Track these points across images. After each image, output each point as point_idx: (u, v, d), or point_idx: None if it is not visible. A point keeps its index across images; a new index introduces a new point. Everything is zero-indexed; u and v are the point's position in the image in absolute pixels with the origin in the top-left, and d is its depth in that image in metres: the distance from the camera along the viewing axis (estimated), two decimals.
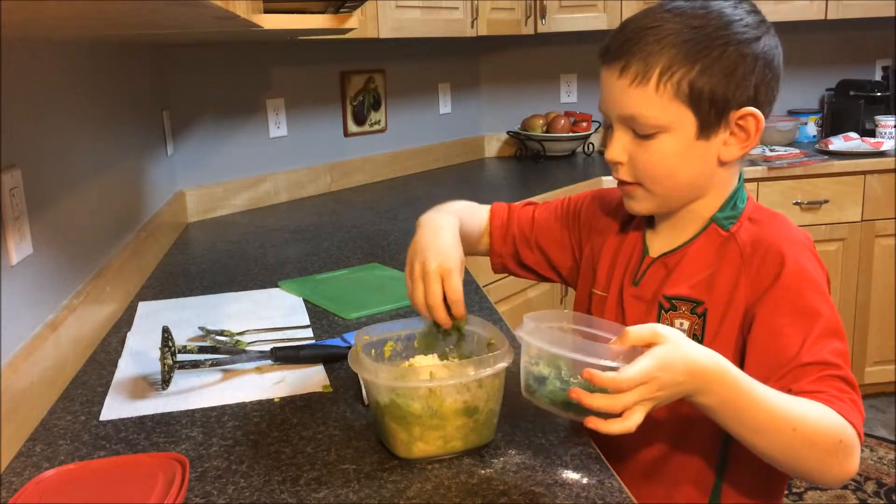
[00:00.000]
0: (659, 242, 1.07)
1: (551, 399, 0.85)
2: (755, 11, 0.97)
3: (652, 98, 0.94)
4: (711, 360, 0.81)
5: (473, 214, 1.25)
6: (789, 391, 0.87)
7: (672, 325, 0.99)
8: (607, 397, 0.77)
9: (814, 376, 0.88)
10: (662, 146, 0.96)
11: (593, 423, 0.79)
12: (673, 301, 1.01)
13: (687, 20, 0.93)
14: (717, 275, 0.99)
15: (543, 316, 0.91)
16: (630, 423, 0.77)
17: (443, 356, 1.03)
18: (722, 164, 0.99)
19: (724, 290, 0.98)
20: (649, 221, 1.09)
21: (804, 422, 0.83)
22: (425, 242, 1.02)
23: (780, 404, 0.84)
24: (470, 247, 1.18)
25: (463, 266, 1.01)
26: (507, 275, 1.32)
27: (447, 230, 1.06)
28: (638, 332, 0.79)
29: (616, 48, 0.96)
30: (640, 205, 1.03)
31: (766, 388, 0.85)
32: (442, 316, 0.98)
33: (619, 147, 1.00)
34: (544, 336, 0.83)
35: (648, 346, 0.79)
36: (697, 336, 0.99)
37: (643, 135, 0.97)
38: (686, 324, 1.00)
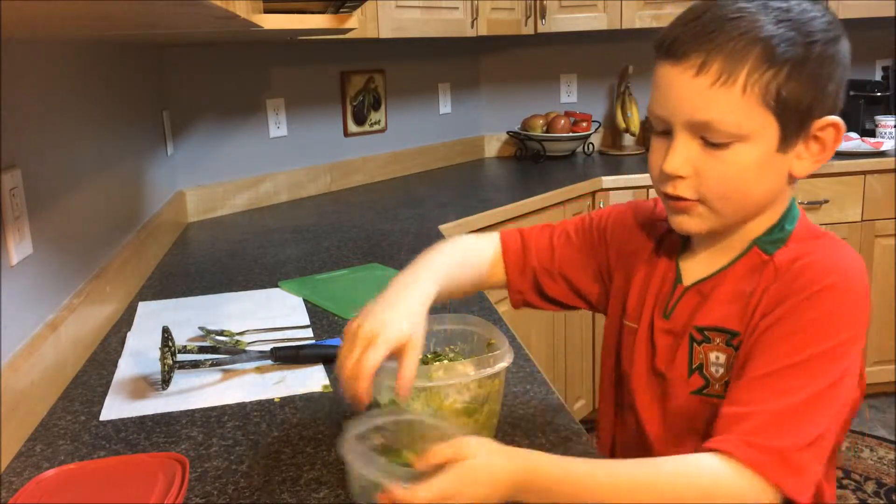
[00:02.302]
0: (694, 268, 0.94)
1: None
2: (828, 10, 0.86)
3: (737, 102, 0.81)
4: (517, 469, 0.74)
5: (470, 255, 1.07)
6: (721, 415, 0.78)
7: (707, 358, 0.89)
8: None
9: (754, 403, 0.76)
10: (739, 158, 0.83)
11: None
12: (706, 332, 0.90)
13: (772, 13, 0.81)
14: (750, 302, 0.86)
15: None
16: None
17: (443, 357, 1.03)
18: (792, 179, 0.88)
19: (751, 317, 0.85)
20: (685, 242, 0.97)
21: (645, 489, 0.75)
22: (372, 307, 0.86)
23: (610, 484, 0.75)
24: (474, 286, 1.08)
25: (404, 344, 0.83)
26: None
27: (409, 300, 0.87)
28: (439, 453, 0.73)
29: (691, 40, 0.82)
30: (699, 224, 0.89)
31: (598, 465, 0.77)
32: (362, 389, 0.80)
33: (683, 158, 0.85)
34: (360, 456, 0.77)
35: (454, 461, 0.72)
36: None
37: (715, 144, 0.83)
38: (722, 357, 0.88)
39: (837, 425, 0.81)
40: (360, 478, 0.76)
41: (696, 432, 0.88)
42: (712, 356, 0.89)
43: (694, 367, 0.91)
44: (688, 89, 0.83)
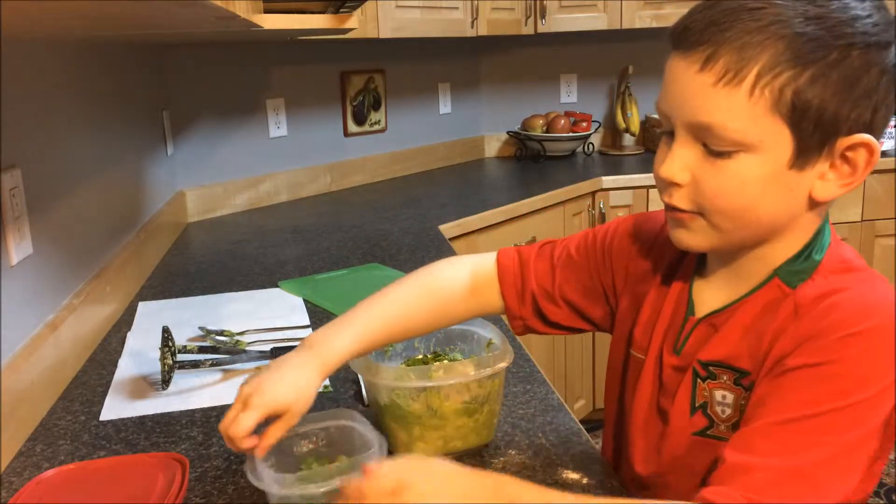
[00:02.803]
0: (708, 298, 0.83)
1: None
2: (883, 9, 0.72)
3: (742, 105, 0.70)
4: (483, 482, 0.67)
5: (436, 287, 0.96)
6: (723, 459, 0.69)
7: (712, 398, 0.79)
8: None
9: (760, 455, 0.67)
10: (742, 169, 0.72)
11: None
12: (710, 368, 0.79)
13: (801, 6, 0.69)
14: (764, 337, 0.75)
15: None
16: None
17: (443, 357, 1.03)
18: (814, 204, 0.75)
19: (764, 355, 0.75)
20: (700, 264, 0.85)
21: None
22: (264, 370, 0.83)
23: None
24: (455, 317, 0.98)
25: (280, 410, 0.80)
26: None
27: (296, 368, 0.83)
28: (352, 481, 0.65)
29: (699, 30, 0.71)
30: (695, 240, 0.78)
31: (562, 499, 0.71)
32: (238, 449, 0.79)
33: (681, 163, 0.75)
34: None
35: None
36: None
37: (718, 151, 0.73)
38: (730, 397, 0.78)
39: (859, 492, 0.70)
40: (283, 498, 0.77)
41: (694, 475, 0.79)
42: (718, 395, 0.79)
43: (697, 405, 0.81)
44: (690, 86, 0.73)
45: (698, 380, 0.80)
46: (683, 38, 0.73)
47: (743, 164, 0.72)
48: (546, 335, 1.02)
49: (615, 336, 0.95)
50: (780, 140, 0.71)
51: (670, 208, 0.79)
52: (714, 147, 0.73)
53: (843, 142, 0.71)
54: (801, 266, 0.77)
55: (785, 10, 0.69)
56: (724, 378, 0.78)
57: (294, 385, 0.81)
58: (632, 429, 0.89)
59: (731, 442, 0.70)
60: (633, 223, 0.95)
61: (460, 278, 0.97)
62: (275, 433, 0.80)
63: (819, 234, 0.78)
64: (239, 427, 0.78)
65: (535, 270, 0.97)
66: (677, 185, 0.76)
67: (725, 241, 0.78)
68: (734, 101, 0.70)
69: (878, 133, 0.72)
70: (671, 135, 0.77)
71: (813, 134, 0.71)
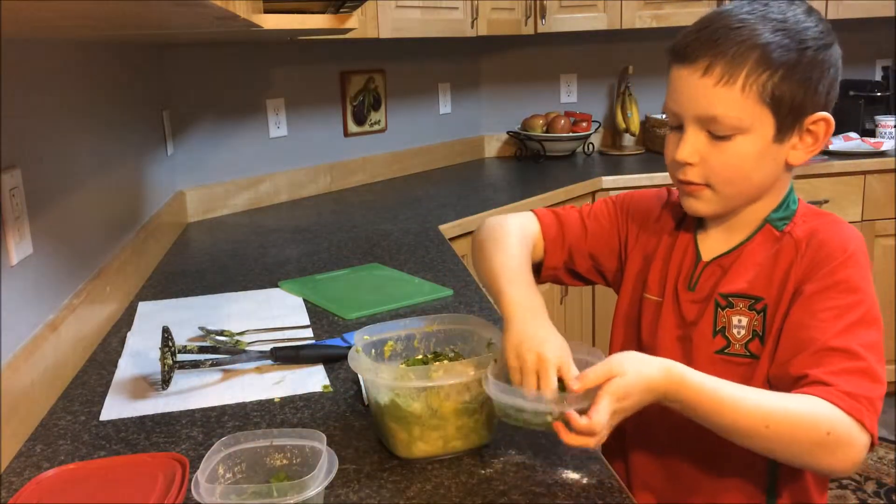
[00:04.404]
0: (711, 245, 1.08)
1: (525, 421, 0.89)
2: (822, 20, 0.99)
3: (737, 99, 0.95)
4: (665, 372, 0.87)
5: (527, 239, 1.16)
6: (805, 376, 0.90)
7: (729, 322, 1.03)
8: (584, 439, 0.84)
9: (834, 365, 0.89)
10: (739, 148, 0.97)
11: (571, 439, 0.85)
12: (729, 298, 1.03)
13: (769, 24, 0.95)
14: (775, 271, 1.01)
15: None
16: (601, 438, 0.85)
17: (443, 357, 1.03)
18: (789, 167, 1.02)
19: (779, 283, 1.00)
20: (699, 223, 1.10)
21: (780, 418, 0.86)
22: (532, 332, 0.93)
23: (751, 403, 0.87)
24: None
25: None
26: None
27: (545, 314, 0.97)
28: (594, 374, 0.85)
29: (699, 47, 0.96)
30: (706, 206, 1.03)
31: (739, 388, 0.88)
32: (552, 398, 0.89)
33: (692, 148, 0.99)
34: (511, 391, 0.88)
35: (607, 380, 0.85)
36: (758, 332, 1.01)
37: (720, 136, 0.97)
38: (744, 320, 1.02)
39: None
40: (507, 407, 0.88)
41: None
42: (735, 319, 1.03)
43: (717, 329, 1.04)
44: (696, 88, 0.97)
45: (719, 309, 1.03)
46: (686, 53, 0.97)
47: (740, 144, 0.97)
48: (573, 286, 1.27)
49: (624, 288, 1.17)
50: (765, 123, 0.96)
51: (685, 182, 1.02)
52: (717, 133, 0.97)
53: (808, 119, 0.98)
54: (783, 214, 1.04)
55: (758, 27, 0.95)
56: (740, 305, 1.02)
57: (557, 337, 0.93)
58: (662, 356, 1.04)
59: (805, 362, 0.91)
60: (646, 192, 1.21)
61: (533, 230, 1.19)
62: (597, 379, 0.87)
63: (790, 191, 1.05)
64: (555, 391, 0.88)
65: (570, 227, 1.20)
66: (690, 164, 1.00)
67: (728, 205, 1.03)
68: (731, 97, 0.95)
69: (830, 108, 0.99)
70: (679, 129, 1.01)
71: (787, 116, 0.96)
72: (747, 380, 0.97)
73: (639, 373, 0.86)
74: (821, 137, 0.99)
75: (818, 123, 0.98)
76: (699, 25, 0.99)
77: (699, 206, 1.03)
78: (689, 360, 0.99)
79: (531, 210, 1.23)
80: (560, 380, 0.88)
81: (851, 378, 0.88)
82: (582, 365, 0.90)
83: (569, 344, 0.93)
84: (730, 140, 0.97)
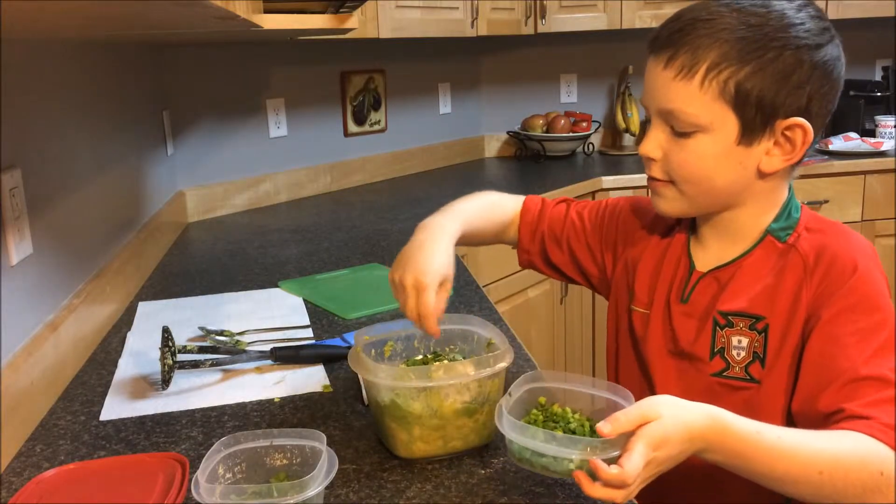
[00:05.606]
0: (706, 255, 1.01)
1: (543, 467, 0.79)
2: (820, 17, 0.91)
3: (695, 94, 0.89)
4: (708, 419, 0.77)
5: (495, 207, 1.21)
6: (841, 410, 0.83)
7: (729, 342, 0.96)
8: (611, 491, 0.73)
9: (869, 396, 0.83)
10: (699, 147, 0.91)
11: (596, 490, 0.74)
12: (729, 317, 0.96)
13: (745, 17, 0.88)
14: (779, 288, 0.93)
15: (518, 385, 0.87)
16: (630, 492, 0.74)
17: (443, 357, 1.03)
18: (762, 174, 0.93)
19: (787, 304, 0.92)
20: (692, 231, 1.04)
21: (832, 462, 0.78)
22: (407, 254, 0.98)
23: (800, 448, 0.79)
24: (494, 237, 1.21)
25: (444, 280, 0.96)
26: (511, 274, 1.29)
27: (437, 241, 0.99)
28: (626, 418, 0.74)
29: (665, 37, 0.91)
30: (669, 205, 0.98)
31: (784, 431, 0.80)
32: (431, 326, 0.93)
33: (654, 143, 0.95)
34: (531, 433, 0.79)
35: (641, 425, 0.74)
36: (758, 354, 0.94)
37: (681, 132, 0.92)
38: (745, 341, 0.95)
39: None
40: (523, 450, 0.79)
41: None
42: (734, 340, 0.95)
43: (715, 350, 0.97)
44: (658, 80, 0.92)
45: (717, 328, 0.96)
46: (655, 44, 0.92)
47: (700, 142, 0.91)
48: (546, 276, 1.25)
49: (613, 298, 1.12)
50: (727, 122, 0.89)
51: (650, 179, 0.98)
52: (677, 128, 0.92)
53: (782, 123, 0.89)
54: (785, 223, 0.96)
55: (731, 19, 0.88)
56: (741, 325, 0.95)
57: (446, 254, 0.97)
58: (654, 373, 1.02)
59: (837, 396, 0.84)
60: (637, 200, 1.15)
61: (511, 207, 1.22)
62: (441, 302, 0.93)
63: (790, 198, 0.97)
64: (427, 307, 0.92)
65: (549, 216, 1.19)
66: (653, 159, 0.96)
67: (693, 207, 0.98)
68: (689, 91, 0.89)
69: (816, 117, 0.90)
70: (651, 121, 0.96)
71: (755, 117, 0.89)
72: (749, 408, 0.88)
73: (677, 418, 0.75)
74: (798, 145, 0.90)
75: (794, 129, 0.89)
76: (675, 15, 0.93)
77: (663, 204, 0.98)
78: (684, 383, 0.98)
79: (527, 196, 1.25)
80: (585, 422, 0.82)
81: (889, 407, 0.82)
82: (604, 405, 0.82)
83: (587, 379, 0.86)
84: (690, 137, 0.91)
